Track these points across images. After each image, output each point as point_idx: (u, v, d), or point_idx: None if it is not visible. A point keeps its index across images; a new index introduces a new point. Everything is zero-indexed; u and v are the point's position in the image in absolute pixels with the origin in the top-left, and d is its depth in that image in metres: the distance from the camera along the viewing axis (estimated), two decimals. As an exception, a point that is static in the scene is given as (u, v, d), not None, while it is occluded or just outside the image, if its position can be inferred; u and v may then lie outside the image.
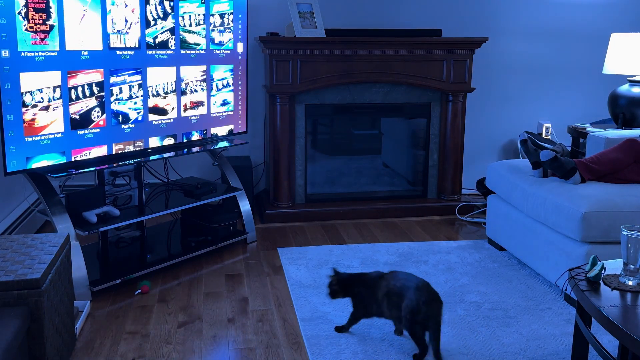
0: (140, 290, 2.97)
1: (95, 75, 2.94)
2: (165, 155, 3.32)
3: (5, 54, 2.55)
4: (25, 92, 2.66)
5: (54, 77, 2.76)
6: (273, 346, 2.51)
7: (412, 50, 4.11)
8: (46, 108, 2.75)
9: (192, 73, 3.44)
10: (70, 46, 2.80)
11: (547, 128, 4.71)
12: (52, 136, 2.81)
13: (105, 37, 2.95)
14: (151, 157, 3.27)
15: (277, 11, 4.30)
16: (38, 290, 2.02)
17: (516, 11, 4.62)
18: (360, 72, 4.09)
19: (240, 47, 3.71)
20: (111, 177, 3.37)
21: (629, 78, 4.10)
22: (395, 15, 4.47)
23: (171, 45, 3.28)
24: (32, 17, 2.62)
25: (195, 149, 3.54)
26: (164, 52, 3.25)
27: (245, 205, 3.70)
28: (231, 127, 3.74)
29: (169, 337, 2.57)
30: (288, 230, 3.97)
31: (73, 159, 2.91)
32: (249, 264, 3.39)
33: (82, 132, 2.93)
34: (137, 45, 3.11)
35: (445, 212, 4.32)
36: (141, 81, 3.17)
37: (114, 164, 3.06)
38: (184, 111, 3.45)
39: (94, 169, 3.01)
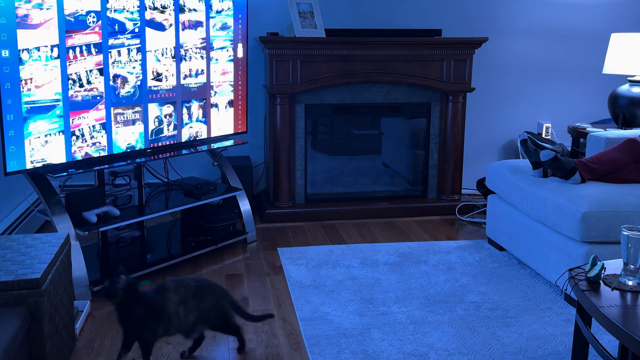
0: (140, 290, 2.97)
1: (93, 37, 2.89)
2: (165, 155, 3.32)
3: (5, 54, 2.55)
4: (23, 50, 2.61)
5: (52, 36, 2.72)
6: (273, 346, 2.51)
7: (412, 50, 4.11)
8: (44, 67, 2.71)
9: (192, 39, 3.39)
10: (68, 7, 2.76)
11: (547, 128, 4.72)
12: (50, 96, 2.77)
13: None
14: (151, 157, 3.27)
15: (277, 11, 4.31)
16: (38, 290, 2.02)
17: (516, 11, 4.62)
18: (360, 72, 4.09)
19: (240, 51, 3.70)
20: (111, 177, 3.37)
21: (629, 78, 4.10)
22: (395, 15, 4.47)
23: (169, 12, 3.24)
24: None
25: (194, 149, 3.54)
26: (163, 17, 3.21)
27: (245, 205, 3.70)
28: (230, 97, 3.70)
29: (169, 337, 2.56)
30: (288, 230, 3.97)
31: (72, 121, 2.86)
32: (249, 264, 3.39)
33: (80, 93, 2.89)
34: (136, 8, 3.07)
35: (445, 212, 4.32)
36: (140, 45, 3.11)
37: (114, 164, 3.06)
38: (184, 78, 3.41)
39: (94, 169, 3.01)
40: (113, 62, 3.00)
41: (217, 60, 3.56)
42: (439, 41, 4.14)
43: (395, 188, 4.53)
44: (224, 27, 3.55)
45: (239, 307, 2.40)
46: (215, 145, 3.62)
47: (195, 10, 3.37)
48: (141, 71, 3.14)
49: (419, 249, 3.60)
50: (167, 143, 3.39)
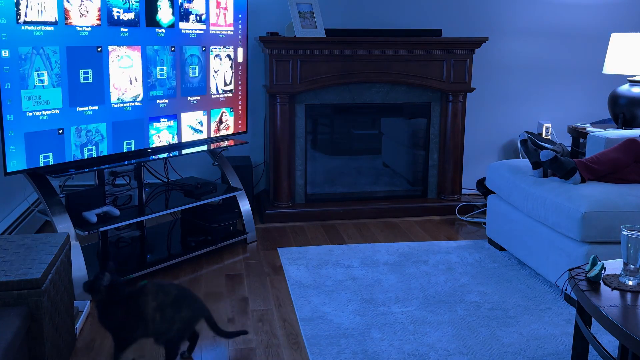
0: (140, 290, 2.97)
1: None
2: (165, 155, 3.32)
3: (5, 54, 2.55)
4: None
5: None
6: (273, 346, 2.51)
7: (412, 50, 4.11)
8: None
9: None
10: None
11: (547, 128, 4.71)
12: None
13: None
14: (151, 157, 3.27)
15: (277, 11, 4.31)
16: (38, 290, 2.02)
17: (516, 11, 4.62)
18: (360, 72, 4.09)
19: (240, 55, 3.70)
20: (111, 177, 3.37)
21: (629, 78, 4.10)
22: (395, 15, 4.47)
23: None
24: None
25: (195, 149, 3.54)
26: None
27: (245, 205, 3.70)
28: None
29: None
30: (288, 230, 3.97)
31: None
32: (249, 264, 3.39)
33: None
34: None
35: (445, 212, 4.32)
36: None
37: (114, 164, 3.06)
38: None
39: (94, 169, 3.01)
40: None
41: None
42: (439, 41, 4.14)
43: (395, 188, 4.53)
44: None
45: (214, 324, 2.37)
46: (215, 145, 3.63)
47: None
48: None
49: (419, 249, 3.60)
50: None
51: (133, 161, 3.20)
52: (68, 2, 2.76)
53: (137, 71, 3.14)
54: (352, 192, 4.45)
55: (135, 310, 2.21)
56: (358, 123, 4.51)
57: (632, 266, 2.04)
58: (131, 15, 3.06)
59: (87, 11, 2.86)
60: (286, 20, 4.16)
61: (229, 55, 3.65)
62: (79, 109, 2.90)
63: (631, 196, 2.85)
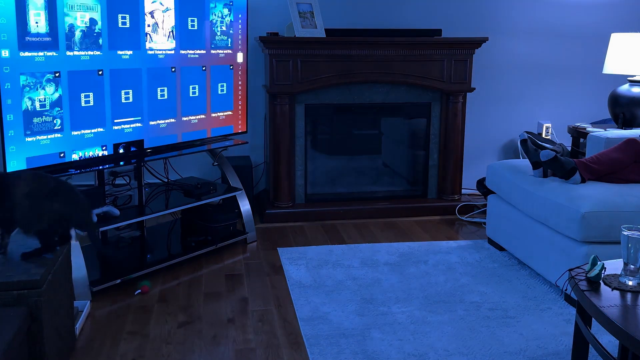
0: (140, 290, 2.97)
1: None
2: (165, 155, 3.32)
3: (5, 54, 2.55)
4: None
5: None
6: (273, 346, 2.51)
7: (412, 50, 4.11)
8: None
9: None
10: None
11: (547, 128, 4.71)
12: None
13: None
14: (151, 157, 3.27)
15: (277, 11, 4.30)
16: (38, 290, 2.02)
17: (516, 11, 4.62)
18: (360, 72, 4.09)
19: (240, 57, 3.70)
20: (111, 177, 3.37)
21: (629, 78, 4.10)
22: (395, 15, 4.47)
23: None
24: None
25: (195, 149, 3.54)
26: None
27: (245, 205, 3.70)
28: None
29: (169, 337, 2.57)
30: (288, 230, 3.97)
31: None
32: (249, 264, 3.39)
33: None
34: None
35: (445, 212, 4.32)
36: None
37: (114, 164, 3.06)
38: None
39: (94, 169, 3.01)
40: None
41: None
42: (439, 41, 4.14)
43: (395, 188, 4.53)
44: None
45: (90, 229, 2.31)
46: (215, 145, 3.63)
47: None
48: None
49: (419, 249, 3.60)
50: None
51: (133, 161, 3.20)
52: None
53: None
54: (352, 192, 4.44)
55: (2, 190, 2.12)
56: (358, 123, 4.51)
57: (632, 266, 2.04)
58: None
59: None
60: (286, 20, 4.16)
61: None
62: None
63: (631, 196, 2.85)
